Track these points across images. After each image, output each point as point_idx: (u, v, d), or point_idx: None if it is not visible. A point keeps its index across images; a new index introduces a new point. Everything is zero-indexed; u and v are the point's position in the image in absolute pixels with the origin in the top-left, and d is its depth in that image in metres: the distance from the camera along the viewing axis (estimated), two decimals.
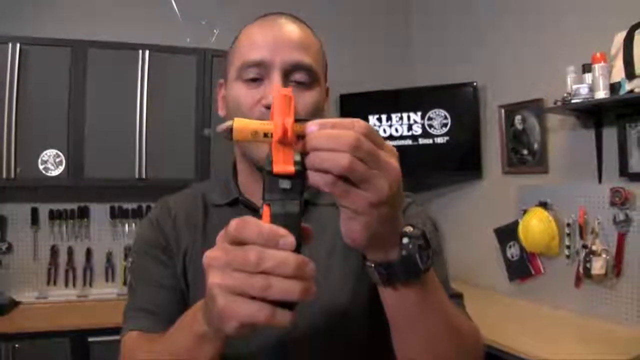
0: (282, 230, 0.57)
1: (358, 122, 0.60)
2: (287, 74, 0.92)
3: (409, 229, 0.70)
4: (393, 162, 0.62)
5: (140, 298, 1.00)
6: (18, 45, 3.09)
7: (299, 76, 0.93)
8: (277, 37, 0.94)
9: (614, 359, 2.28)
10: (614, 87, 2.57)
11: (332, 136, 0.58)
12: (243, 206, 1.00)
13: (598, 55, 2.59)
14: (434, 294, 0.75)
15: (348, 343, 0.95)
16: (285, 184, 0.60)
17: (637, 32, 2.47)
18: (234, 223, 0.58)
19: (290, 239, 0.56)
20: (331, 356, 0.94)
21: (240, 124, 0.62)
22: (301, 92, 0.93)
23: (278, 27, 0.97)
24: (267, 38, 0.94)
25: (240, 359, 0.91)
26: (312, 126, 0.60)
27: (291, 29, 0.97)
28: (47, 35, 3.24)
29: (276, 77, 0.91)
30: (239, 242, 0.57)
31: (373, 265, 0.70)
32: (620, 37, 2.56)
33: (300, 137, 0.60)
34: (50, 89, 3.21)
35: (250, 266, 0.56)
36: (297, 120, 0.61)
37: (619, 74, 2.54)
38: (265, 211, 0.59)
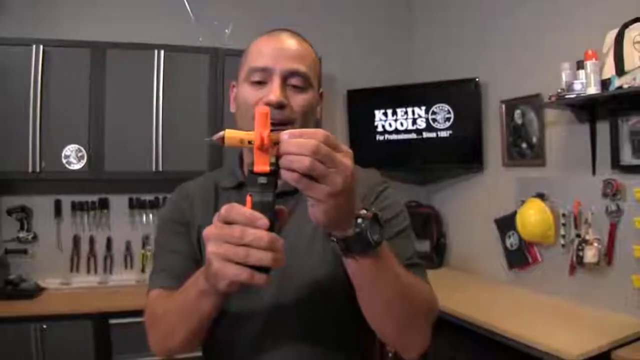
0: (258, 215, 0.77)
1: (319, 132, 0.76)
2: (285, 79, 1.09)
3: (363, 212, 0.85)
4: (346, 161, 0.78)
5: (161, 262, 1.19)
6: (41, 47, 3.24)
7: (294, 81, 1.10)
8: (279, 49, 1.11)
9: (601, 341, 2.38)
10: (605, 83, 2.66)
11: (298, 144, 0.74)
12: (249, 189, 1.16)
13: (590, 52, 2.68)
14: (387, 264, 0.91)
15: (327, 308, 1.12)
16: (262, 180, 0.79)
17: (627, 30, 2.57)
18: (224, 208, 0.78)
19: (264, 221, 0.77)
20: (313, 320, 1.12)
21: (230, 134, 0.82)
22: (296, 94, 1.10)
23: (280, 40, 1.14)
24: (271, 49, 1.12)
25: (238, 324, 1.11)
26: (284, 135, 0.76)
27: (290, 43, 1.14)
28: (68, 37, 3.37)
29: (276, 81, 1.08)
30: (228, 222, 0.78)
31: (335, 239, 0.86)
32: (611, 36, 2.65)
33: (276, 143, 0.77)
34: (71, 88, 3.35)
35: (235, 240, 0.76)
36: (274, 130, 0.78)
37: (610, 70, 2.63)
38: (248, 200, 0.79)
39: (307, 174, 0.75)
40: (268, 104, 1.04)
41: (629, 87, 2.47)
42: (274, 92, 1.06)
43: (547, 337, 2.47)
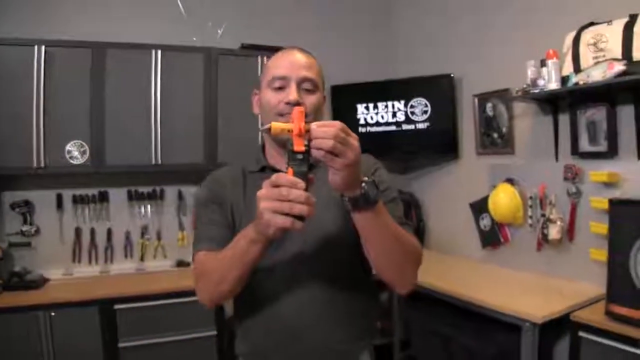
0: (298, 180, 1.08)
1: (337, 123, 1.08)
2: (299, 84, 1.40)
3: (365, 178, 1.17)
4: (355, 143, 1.10)
5: (203, 232, 1.46)
6: (43, 47, 3.31)
7: (306, 85, 1.41)
8: (293, 62, 1.43)
9: (562, 306, 2.72)
10: (564, 80, 2.94)
11: (324, 131, 1.06)
12: (270, 171, 1.44)
13: (551, 52, 2.95)
14: (384, 218, 1.24)
15: (340, 254, 1.43)
16: (299, 156, 1.10)
17: (583, 33, 2.85)
18: (274, 176, 1.09)
19: (302, 184, 1.08)
20: (329, 263, 1.43)
21: (276, 126, 1.15)
22: (308, 95, 1.42)
23: (293, 55, 1.45)
24: (287, 62, 1.43)
25: (272, 266, 1.40)
26: (313, 125, 1.07)
27: (301, 57, 1.45)
28: (69, 38, 3.46)
29: (293, 86, 1.39)
30: (276, 185, 1.08)
31: (347, 198, 1.18)
32: (570, 37, 2.94)
33: (307, 131, 1.09)
34: (73, 86, 3.43)
35: (282, 197, 1.07)
36: (306, 122, 1.11)
37: (568, 68, 2.92)
38: (290, 171, 1.10)
39: (330, 151, 1.06)
40: (288, 103, 1.35)
41: (584, 83, 2.76)
42: (292, 93, 1.37)
43: (517, 305, 2.78)
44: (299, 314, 1.41)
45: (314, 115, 1.40)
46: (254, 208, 1.15)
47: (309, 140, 1.08)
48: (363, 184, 1.16)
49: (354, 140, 1.10)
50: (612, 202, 2.54)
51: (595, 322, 2.50)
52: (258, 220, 1.12)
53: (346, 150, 1.07)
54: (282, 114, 1.37)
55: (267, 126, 1.16)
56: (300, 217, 1.07)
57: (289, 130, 1.12)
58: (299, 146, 1.10)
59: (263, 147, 1.56)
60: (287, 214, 1.06)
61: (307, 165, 1.11)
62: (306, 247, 1.40)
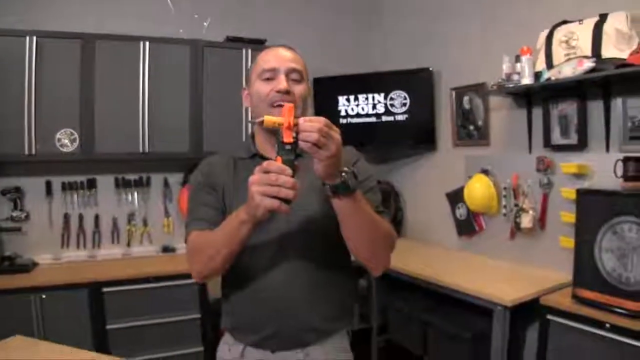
0: (286, 167, 1.21)
1: (322, 119, 1.21)
2: (287, 75, 1.53)
3: (345, 169, 1.29)
4: (337, 136, 1.23)
5: (197, 213, 1.58)
6: (35, 38, 3.37)
7: (294, 75, 1.55)
8: (281, 55, 1.56)
9: (531, 290, 2.87)
10: (537, 75, 3.07)
11: (310, 126, 1.19)
12: (259, 158, 1.57)
13: (525, 48, 3.09)
14: (361, 205, 1.36)
15: (320, 236, 1.55)
16: (287, 147, 1.23)
17: (555, 31, 2.98)
18: (265, 163, 1.22)
19: (289, 171, 1.21)
20: (310, 245, 1.55)
21: (268, 119, 1.26)
22: (295, 84, 1.54)
23: (280, 50, 1.59)
24: (275, 55, 1.56)
25: (260, 247, 1.52)
26: (301, 120, 1.20)
27: (287, 51, 1.59)
28: (60, 29, 3.52)
29: (282, 76, 1.52)
30: (266, 172, 1.20)
31: (328, 185, 1.30)
32: (543, 35, 3.06)
33: (295, 124, 1.21)
34: (63, 76, 3.50)
35: (271, 182, 1.20)
36: (294, 114, 1.24)
37: (541, 64, 3.05)
38: (278, 159, 1.23)
39: (315, 144, 1.18)
40: (279, 91, 1.48)
41: (555, 79, 2.89)
42: (282, 83, 1.50)
43: (489, 289, 2.92)
44: (282, 292, 1.53)
45: (302, 103, 1.54)
46: (243, 192, 1.28)
47: (297, 133, 1.21)
48: (343, 174, 1.29)
49: (336, 134, 1.23)
50: (579, 192, 2.66)
51: (563, 305, 2.64)
52: (249, 202, 1.24)
53: (329, 143, 1.20)
54: (273, 102, 1.49)
55: (260, 119, 1.29)
56: (286, 201, 1.21)
57: (279, 124, 1.24)
58: (288, 138, 1.23)
59: (253, 136, 1.68)
60: (275, 197, 1.20)
61: (294, 154, 1.24)
62: (289, 229, 1.52)
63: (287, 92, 1.48)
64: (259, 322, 1.56)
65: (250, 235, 1.37)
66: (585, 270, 2.57)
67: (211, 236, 1.45)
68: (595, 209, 2.55)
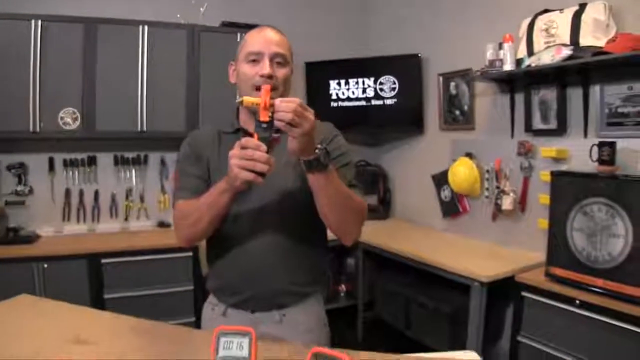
0: (261, 144, 1.34)
1: (296, 100, 1.32)
2: (272, 59, 1.61)
3: (319, 145, 1.41)
4: (311, 116, 1.35)
5: (184, 183, 1.72)
6: (40, 22, 3.51)
7: (278, 59, 1.63)
8: (267, 39, 1.64)
9: (508, 268, 3.02)
10: (519, 62, 3.19)
11: (285, 106, 1.31)
12: (242, 133, 1.69)
13: (508, 36, 3.20)
14: (333, 178, 1.48)
15: (294, 208, 1.66)
16: (264, 125, 1.36)
17: (536, 19, 3.09)
18: (243, 139, 1.35)
19: (264, 147, 1.34)
20: (286, 214, 1.67)
21: (247, 100, 1.40)
22: (279, 68, 1.63)
23: (267, 33, 1.66)
24: (261, 39, 1.64)
25: (239, 216, 1.65)
26: (277, 101, 1.33)
27: (273, 35, 1.66)
28: (63, 13, 3.66)
29: (266, 60, 1.60)
30: (244, 147, 1.34)
31: (302, 161, 1.41)
32: (525, 23, 3.17)
33: (272, 105, 1.34)
34: (66, 58, 3.63)
35: (248, 157, 1.33)
36: (273, 95, 1.38)
37: (523, 51, 3.17)
38: (255, 136, 1.36)
39: (289, 123, 1.30)
40: (262, 75, 1.58)
41: (535, 65, 3.01)
42: (265, 68, 1.59)
43: (468, 267, 3.08)
44: (260, 257, 1.67)
45: (284, 86, 1.64)
46: (226, 163, 1.41)
47: (273, 113, 1.33)
48: (317, 150, 1.40)
49: (309, 114, 1.34)
50: (553, 174, 2.80)
51: (537, 282, 2.79)
52: (229, 173, 1.39)
53: (302, 122, 1.31)
54: (257, 85, 1.58)
55: (239, 99, 1.44)
56: (261, 174, 1.34)
57: (257, 104, 1.37)
58: (264, 117, 1.35)
59: (237, 112, 1.81)
60: (251, 171, 1.33)
61: (270, 132, 1.36)
62: (267, 201, 1.66)
63: (270, 77, 1.59)
64: (238, 285, 1.71)
65: (230, 203, 1.51)
66: (558, 249, 2.72)
67: (196, 204, 1.58)
68: (568, 191, 2.69)
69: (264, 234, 1.67)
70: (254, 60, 1.62)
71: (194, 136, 1.81)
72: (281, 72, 1.63)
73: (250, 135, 1.43)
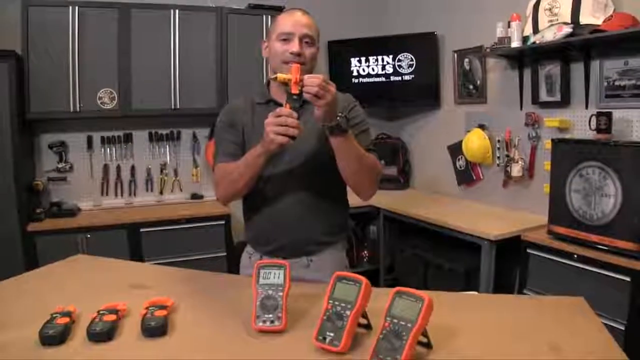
0: (293, 112, 1.59)
1: (321, 76, 1.57)
2: (301, 39, 1.85)
3: (340, 113, 1.65)
4: (333, 90, 1.59)
5: (222, 148, 1.97)
6: (77, 8, 3.77)
7: (306, 39, 1.86)
8: (297, 21, 1.86)
9: (514, 228, 3.29)
10: (525, 39, 3.40)
11: (312, 81, 1.56)
12: (273, 103, 1.93)
13: (515, 15, 3.41)
14: (352, 142, 1.73)
15: (320, 167, 1.90)
16: (295, 97, 1.61)
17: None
18: (278, 109, 1.61)
19: (295, 115, 1.59)
20: (311, 176, 1.92)
21: (280, 76, 1.65)
22: (307, 47, 1.85)
23: (297, 16, 1.89)
24: (292, 21, 1.86)
25: (271, 176, 1.90)
26: (305, 76, 1.58)
27: (303, 17, 1.89)
28: None
29: (296, 40, 1.83)
30: (278, 115, 1.59)
31: (326, 126, 1.65)
32: (532, 3, 3.39)
33: (301, 80, 1.59)
34: (103, 42, 3.89)
35: (282, 123, 1.58)
36: (301, 72, 1.62)
37: (529, 30, 3.38)
38: (287, 106, 1.61)
39: (315, 94, 1.55)
40: (292, 53, 1.81)
41: (539, 42, 3.23)
42: (295, 46, 1.82)
43: (481, 228, 3.35)
44: (289, 211, 1.94)
45: (310, 64, 1.87)
46: (259, 130, 1.68)
47: (302, 87, 1.59)
48: (338, 117, 1.64)
49: (332, 88, 1.58)
50: (553, 141, 3.05)
51: (540, 240, 3.06)
52: (265, 138, 1.64)
53: (326, 94, 1.56)
54: (287, 60, 1.82)
55: (274, 76, 1.71)
56: (292, 137, 1.60)
57: (288, 79, 1.62)
58: (295, 90, 1.60)
59: (268, 84, 2.04)
60: (284, 135, 1.59)
61: (299, 103, 1.62)
62: (295, 163, 1.91)
63: (299, 55, 1.82)
64: (271, 236, 1.98)
65: (265, 164, 1.77)
66: (558, 209, 2.98)
67: (234, 166, 1.85)
68: (566, 156, 2.95)
69: (293, 191, 1.93)
70: (285, 40, 1.85)
71: (230, 106, 2.07)
72: (309, 51, 1.86)
73: (280, 105, 1.68)
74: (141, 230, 3.89)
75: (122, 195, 4.42)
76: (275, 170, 1.90)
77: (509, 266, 3.47)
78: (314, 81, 1.56)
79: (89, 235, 3.74)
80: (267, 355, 1.29)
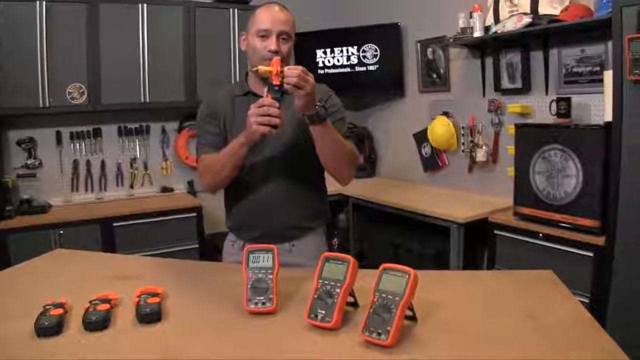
0: (274, 102, 1.66)
1: (300, 67, 1.64)
2: (278, 36, 1.91)
3: (318, 103, 1.73)
4: (312, 80, 1.66)
5: (204, 140, 2.04)
6: (44, 2, 3.72)
7: (283, 36, 1.92)
8: (274, 18, 1.92)
9: (481, 211, 3.42)
10: (487, 29, 3.53)
11: (292, 72, 1.63)
12: (252, 95, 2.00)
13: (476, 6, 3.54)
14: (330, 130, 1.81)
15: (300, 156, 1.98)
16: (275, 88, 1.68)
17: None
18: (260, 100, 1.67)
19: (277, 104, 1.66)
20: (293, 163, 2.00)
21: (261, 68, 1.72)
22: (284, 43, 1.92)
23: (275, 12, 1.94)
24: (270, 17, 1.92)
25: (253, 164, 1.97)
26: (285, 68, 1.65)
27: (280, 13, 1.95)
28: None
29: (273, 37, 1.89)
30: (260, 106, 1.66)
31: (306, 115, 1.73)
32: None
33: (281, 72, 1.66)
34: (71, 37, 3.85)
35: (264, 112, 1.66)
36: (280, 66, 1.69)
37: (490, 20, 3.51)
38: (269, 96, 1.68)
39: (295, 85, 1.62)
40: (270, 51, 1.87)
41: (500, 32, 3.35)
42: (272, 44, 1.88)
43: (449, 212, 3.47)
44: (271, 198, 2.01)
45: (287, 57, 1.93)
46: (240, 121, 1.76)
47: (282, 78, 1.65)
48: (317, 107, 1.73)
49: (310, 78, 1.66)
50: (517, 126, 3.20)
51: (506, 221, 3.21)
52: (247, 129, 1.71)
53: (305, 85, 1.63)
54: (265, 57, 1.87)
55: (255, 68, 1.79)
56: (274, 127, 1.67)
57: (269, 72, 1.69)
58: (276, 81, 1.67)
59: (246, 76, 2.10)
60: (267, 125, 1.66)
61: (280, 94, 1.69)
62: (276, 152, 1.99)
63: (277, 52, 1.88)
64: (254, 223, 2.05)
65: (248, 154, 1.84)
66: (523, 191, 3.14)
67: (217, 156, 1.91)
68: (529, 140, 3.09)
69: (274, 178, 2.01)
70: (263, 36, 1.91)
71: (210, 99, 2.12)
72: (285, 47, 1.93)
73: (259, 96, 1.76)
74: (114, 224, 3.90)
75: (92, 190, 4.41)
76: (257, 159, 1.97)
77: (477, 248, 3.61)
78: (293, 72, 1.62)
79: (62, 232, 3.73)
80: (264, 335, 1.36)
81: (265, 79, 1.75)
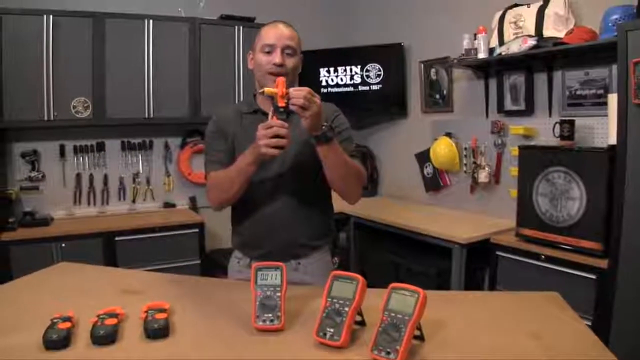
0: (284, 123, 1.67)
1: (306, 89, 1.65)
2: (283, 50, 1.93)
3: (325, 123, 1.73)
4: (318, 101, 1.67)
5: (212, 157, 2.04)
6: (51, 17, 3.75)
7: (288, 51, 1.93)
8: (279, 33, 1.94)
9: (483, 232, 3.42)
10: (491, 51, 3.55)
11: (297, 94, 1.63)
12: (260, 113, 2.01)
13: (481, 27, 3.57)
14: (337, 149, 1.80)
15: (307, 175, 1.99)
16: (281, 109, 1.68)
17: (507, 13, 3.46)
18: (269, 121, 1.68)
19: (285, 125, 1.66)
20: (299, 181, 2.00)
21: (267, 90, 1.71)
22: (289, 58, 1.93)
23: (279, 28, 1.96)
24: (274, 33, 1.94)
25: (261, 182, 1.97)
26: (291, 89, 1.66)
27: (285, 29, 1.96)
28: (73, 8, 3.90)
29: (278, 52, 1.90)
30: (268, 127, 1.66)
31: (313, 135, 1.73)
32: (497, 16, 3.54)
33: (287, 93, 1.66)
34: (77, 51, 3.88)
35: (272, 134, 1.65)
36: (286, 85, 1.70)
37: (495, 41, 3.53)
38: (275, 118, 1.68)
39: (301, 106, 1.62)
40: (274, 64, 1.89)
41: (505, 54, 3.38)
42: (277, 57, 1.90)
43: (451, 232, 3.45)
44: (277, 217, 2.01)
45: (292, 74, 1.95)
46: (249, 138, 1.76)
47: (288, 99, 1.66)
48: (323, 127, 1.73)
49: (317, 100, 1.66)
50: (520, 148, 3.21)
51: (508, 242, 3.21)
52: (257, 149, 1.71)
53: (312, 105, 1.63)
54: (270, 71, 1.90)
55: (261, 90, 1.79)
56: (281, 148, 1.67)
57: (275, 93, 1.69)
58: (281, 103, 1.67)
59: (254, 95, 2.12)
60: (275, 147, 1.66)
61: (285, 115, 1.69)
62: (283, 170, 1.99)
63: (281, 65, 1.90)
64: (260, 240, 2.05)
65: (254, 173, 1.84)
66: (526, 212, 3.14)
67: (225, 173, 1.92)
68: (532, 162, 3.10)
69: (281, 197, 2.01)
70: (268, 52, 1.92)
71: (219, 115, 2.12)
72: (290, 61, 1.94)
73: (267, 114, 1.76)
74: (116, 238, 3.90)
75: (94, 204, 4.42)
76: (264, 177, 1.97)
77: (478, 269, 3.61)
78: (299, 94, 1.63)
79: (63, 245, 3.72)
80: (272, 352, 1.36)
81: (272, 100, 1.75)
